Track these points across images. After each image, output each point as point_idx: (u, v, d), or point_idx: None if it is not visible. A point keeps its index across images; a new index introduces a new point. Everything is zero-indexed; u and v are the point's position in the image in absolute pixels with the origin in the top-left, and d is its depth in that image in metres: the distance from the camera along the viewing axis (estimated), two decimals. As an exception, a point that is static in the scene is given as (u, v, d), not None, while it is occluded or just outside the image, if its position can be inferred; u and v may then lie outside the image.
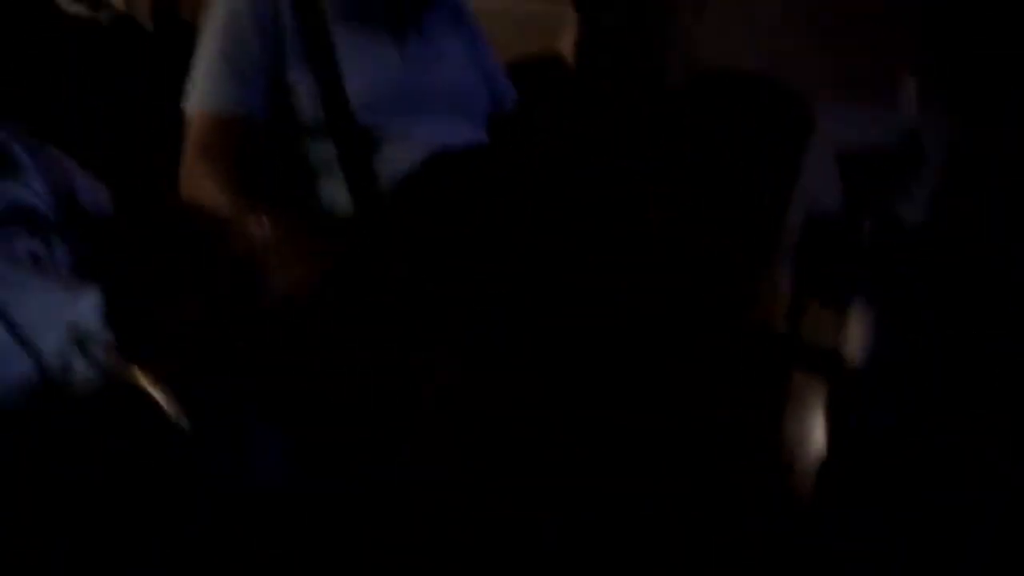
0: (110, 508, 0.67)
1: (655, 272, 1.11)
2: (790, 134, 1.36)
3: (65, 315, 0.68)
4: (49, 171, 0.83)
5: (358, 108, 1.31)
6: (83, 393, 0.64)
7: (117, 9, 2.98)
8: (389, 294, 1.13)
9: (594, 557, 0.88)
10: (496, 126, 1.50)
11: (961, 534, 0.98)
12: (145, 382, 0.68)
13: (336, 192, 1.31)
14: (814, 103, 1.40)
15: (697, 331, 1.05)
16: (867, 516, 0.96)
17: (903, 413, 1.05)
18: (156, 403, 0.72)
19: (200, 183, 1.25)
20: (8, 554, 0.59)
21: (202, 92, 1.30)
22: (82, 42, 1.58)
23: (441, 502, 0.86)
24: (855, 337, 1.07)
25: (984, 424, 1.05)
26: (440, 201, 1.24)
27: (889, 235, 1.05)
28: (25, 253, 0.73)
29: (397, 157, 1.31)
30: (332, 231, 1.25)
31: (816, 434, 1.02)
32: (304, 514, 0.75)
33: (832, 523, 0.98)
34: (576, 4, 3.01)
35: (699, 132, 1.78)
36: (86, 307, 0.70)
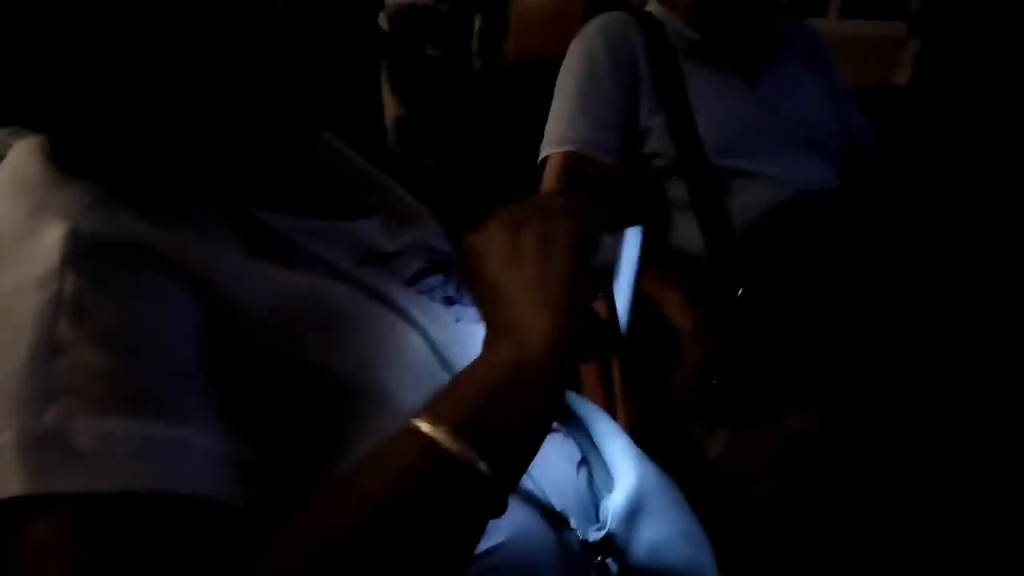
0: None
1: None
2: None
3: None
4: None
5: (710, 148, 1.31)
6: None
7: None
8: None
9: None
10: (852, 163, 1.45)
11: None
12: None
13: (689, 232, 1.32)
14: None
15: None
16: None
17: None
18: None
19: None
20: None
21: (561, 135, 1.35)
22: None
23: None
24: None
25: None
26: (797, 243, 1.22)
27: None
28: (441, 297, 0.76)
29: (751, 196, 1.31)
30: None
31: None
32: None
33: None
34: (912, 27, 2.86)
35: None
36: None
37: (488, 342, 0.58)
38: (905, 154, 1.84)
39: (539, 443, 0.56)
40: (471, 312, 0.76)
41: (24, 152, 0.62)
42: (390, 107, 2.98)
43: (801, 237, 1.20)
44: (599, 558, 0.70)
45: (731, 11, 1.38)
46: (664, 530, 0.74)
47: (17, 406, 0.48)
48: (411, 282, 0.73)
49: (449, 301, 0.76)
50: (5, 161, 0.63)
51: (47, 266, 0.52)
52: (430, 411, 0.53)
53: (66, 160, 0.59)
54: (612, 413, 1.11)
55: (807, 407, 1.09)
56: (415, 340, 0.65)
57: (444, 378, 0.64)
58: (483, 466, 0.51)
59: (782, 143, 1.36)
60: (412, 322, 0.65)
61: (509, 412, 0.54)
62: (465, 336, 0.70)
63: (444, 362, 0.66)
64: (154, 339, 0.52)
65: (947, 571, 0.95)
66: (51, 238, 0.53)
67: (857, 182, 1.43)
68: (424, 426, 0.52)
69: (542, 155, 1.37)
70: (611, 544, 0.71)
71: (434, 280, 0.76)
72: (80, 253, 0.52)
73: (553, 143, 1.36)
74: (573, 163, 1.33)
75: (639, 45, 1.36)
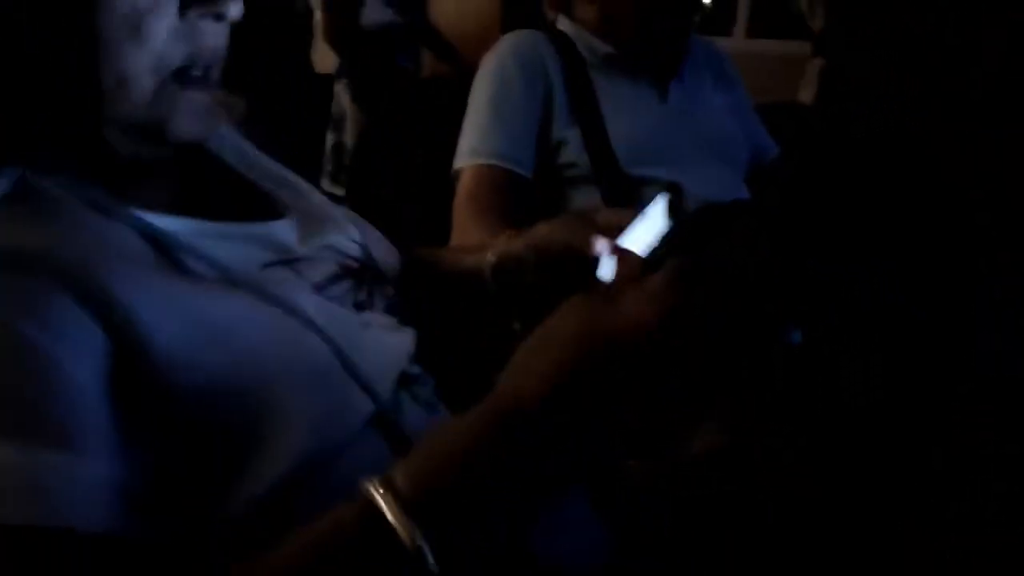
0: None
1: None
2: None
3: (395, 360, 0.70)
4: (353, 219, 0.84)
5: (623, 159, 1.34)
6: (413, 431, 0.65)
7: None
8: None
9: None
10: (757, 177, 1.49)
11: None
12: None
13: (601, 242, 1.33)
14: None
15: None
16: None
17: None
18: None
19: (473, 235, 1.29)
20: None
21: (474, 148, 1.36)
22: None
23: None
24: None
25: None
26: (707, 251, 1.24)
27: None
28: (351, 302, 0.74)
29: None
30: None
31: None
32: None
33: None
34: (816, 46, 2.96)
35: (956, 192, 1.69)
36: (409, 351, 0.73)
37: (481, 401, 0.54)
38: (807, 169, 1.90)
39: (509, 534, 0.51)
40: (383, 319, 0.75)
41: None
42: (355, 123, 3.00)
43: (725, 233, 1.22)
44: None
45: (639, 25, 1.41)
46: None
47: None
48: (320, 287, 0.71)
49: (360, 307, 0.74)
50: None
51: None
52: (391, 470, 0.49)
53: None
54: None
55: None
56: (316, 346, 0.62)
57: (349, 385, 0.62)
58: (431, 560, 0.47)
59: (692, 154, 1.39)
60: (314, 328, 0.62)
61: (479, 479, 0.49)
62: (373, 342, 0.69)
63: (349, 367, 0.63)
64: (50, 362, 0.49)
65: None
66: None
67: (762, 194, 1.47)
68: (373, 491, 0.49)
69: (456, 167, 1.37)
70: None
71: (344, 285, 0.74)
72: None
73: (466, 156, 1.36)
74: (487, 176, 1.34)
75: (550, 59, 1.38)
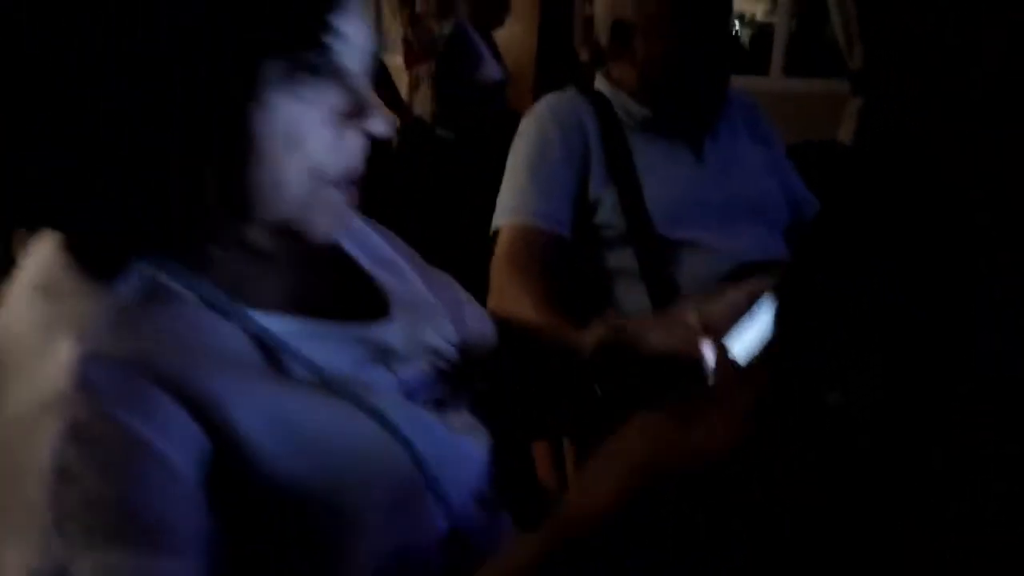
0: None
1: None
2: None
3: (474, 473, 0.72)
4: (444, 299, 0.83)
5: (658, 219, 1.35)
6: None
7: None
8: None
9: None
10: (796, 233, 1.49)
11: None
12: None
13: (637, 301, 1.35)
14: None
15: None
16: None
17: None
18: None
19: (515, 296, 1.29)
20: None
21: (514, 207, 1.37)
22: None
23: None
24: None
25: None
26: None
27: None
28: (432, 397, 0.74)
29: (698, 266, 1.34)
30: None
31: None
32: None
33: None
34: (854, 84, 2.95)
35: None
36: (486, 459, 0.74)
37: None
38: (847, 209, 1.89)
39: None
40: (466, 419, 0.76)
41: (45, 250, 0.61)
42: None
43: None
44: None
45: (676, 87, 1.42)
46: None
47: (25, 535, 0.48)
48: (412, 390, 0.71)
49: (443, 404, 0.75)
50: (28, 259, 0.62)
51: (58, 389, 0.51)
52: None
53: (85, 257, 0.59)
54: (563, 493, 1.11)
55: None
56: (404, 462, 0.63)
57: (429, 504, 0.64)
58: None
59: (728, 214, 1.39)
60: (405, 442, 0.64)
61: None
62: (456, 454, 0.70)
63: (431, 485, 0.65)
64: (158, 468, 0.52)
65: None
66: (63, 357, 0.53)
67: (801, 254, 1.47)
68: None
69: (494, 226, 1.39)
70: None
71: (433, 387, 0.75)
72: (91, 378, 0.52)
73: (505, 214, 1.38)
74: (525, 235, 1.35)
75: (588, 121, 1.40)
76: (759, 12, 5.21)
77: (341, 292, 0.75)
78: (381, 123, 0.62)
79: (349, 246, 0.79)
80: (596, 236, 1.38)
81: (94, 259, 0.59)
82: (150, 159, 0.54)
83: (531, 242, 1.35)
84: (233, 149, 0.56)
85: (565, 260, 1.35)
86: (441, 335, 0.78)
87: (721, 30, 1.41)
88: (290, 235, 0.63)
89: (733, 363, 0.67)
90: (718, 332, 0.78)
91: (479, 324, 0.86)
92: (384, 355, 0.70)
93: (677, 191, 1.38)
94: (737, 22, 4.78)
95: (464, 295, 0.88)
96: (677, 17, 1.36)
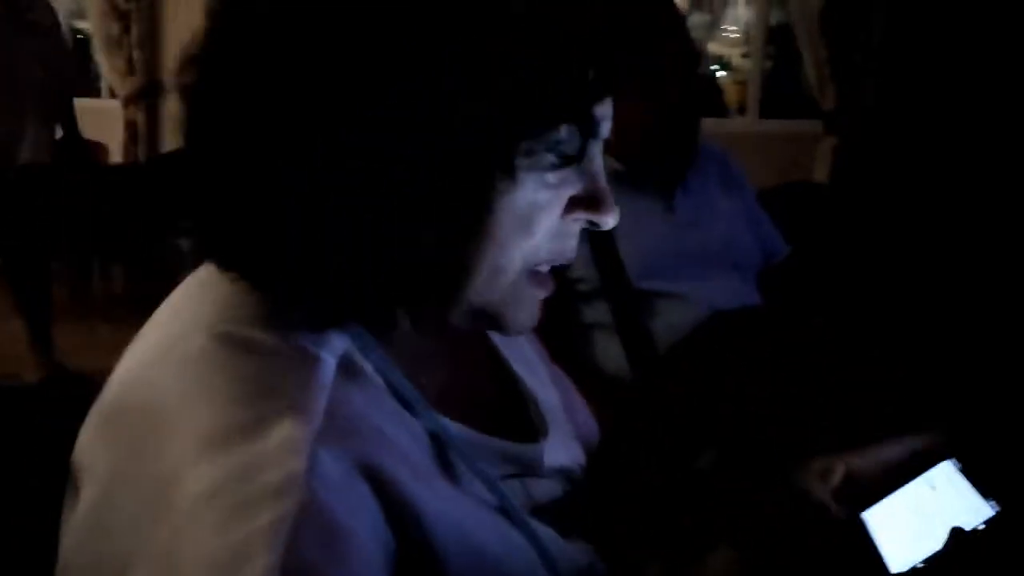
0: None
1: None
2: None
3: None
4: (566, 404, 0.79)
5: (632, 271, 1.36)
6: None
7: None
8: (659, 452, 1.15)
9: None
10: (769, 280, 1.51)
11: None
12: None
13: (612, 352, 1.36)
14: None
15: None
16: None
17: None
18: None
19: None
20: None
21: None
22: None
23: None
24: None
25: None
26: (717, 361, 1.26)
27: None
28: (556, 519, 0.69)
29: (671, 317, 1.35)
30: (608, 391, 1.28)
31: None
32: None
33: None
34: (828, 125, 3.00)
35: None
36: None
37: None
38: (826, 249, 1.91)
39: None
40: (581, 544, 0.71)
41: (223, 287, 0.55)
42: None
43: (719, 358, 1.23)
44: None
45: (649, 141, 1.44)
46: None
47: None
48: (540, 510, 0.67)
49: (564, 528, 0.69)
50: (197, 289, 0.57)
51: (284, 475, 0.47)
52: None
53: (279, 312, 0.54)
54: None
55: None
56: None
57: None
58: None
59: (701, 264, 1.41)
60: (548, 559, 0.61)
61: None
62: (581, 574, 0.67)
63: None
64: (366, 565, 0.48)
65: None
66: (282, 437, 0.48)
67: (773, 300, 1.49)
68: None
69: None
70: None
71: (558, 509, 0.70)
72: (322, 467, 0.48)
73: None
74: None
75: None
76: (735, 56, 5.29)
77: (493, 398, 0.70)
78: (610, 215, 0.59)
79: (502, 346, 0.74)
80: (571, 290, 1.39)
81: (291, 317, 0.54)
82: (386, 217, 0.50)
83: None
84: (471, 222, 0.53)
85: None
86: (571, 455, 0.74)
87: (691, 86, 1.43)
88: (487, 322, 0.59)
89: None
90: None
91: (589, 431, 0.82)
92: (525, 469, 0.66)
93: (650, 243, 1.40)
94: (717, 66, 4.85)
95: (578, 398, 0.84)
96: (649, 76, 1.39)
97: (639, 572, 0.72)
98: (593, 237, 1.37)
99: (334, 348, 0.54)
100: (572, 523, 0.68)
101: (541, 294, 0.60)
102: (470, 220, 0.53)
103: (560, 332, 1.40)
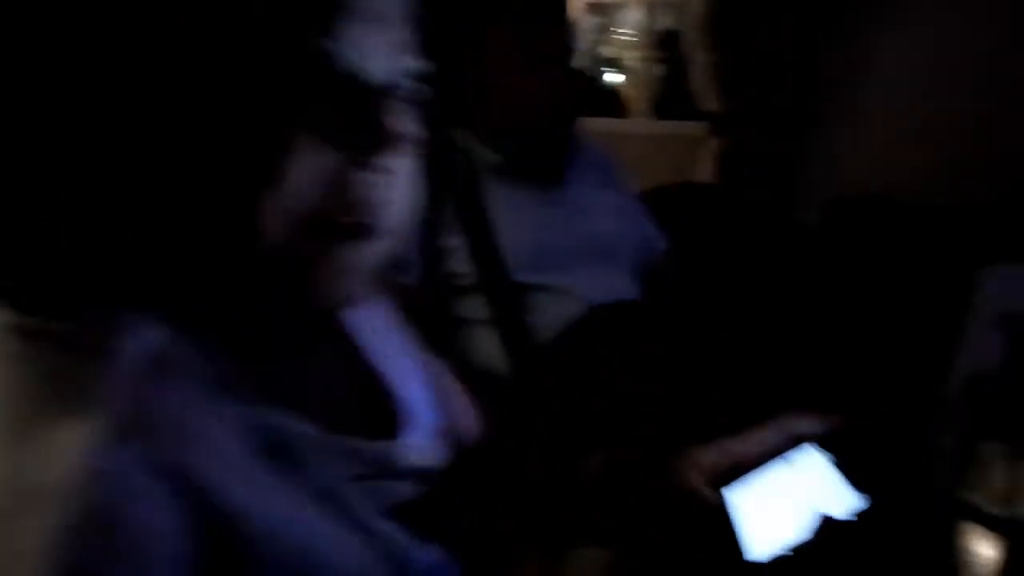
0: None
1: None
2: (944, 285, 1.33)
3: None
4: (438, 394, 0.76)
5: (511, 265, 1.36)
6: None
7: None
8: (539, 448, 1.15)
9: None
10: (647, 273, 1.54)
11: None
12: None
13: (490, 347, 1.36)
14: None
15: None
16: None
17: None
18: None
19: None
20: None
21: None
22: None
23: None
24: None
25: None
26: (594, 355, 1.27)
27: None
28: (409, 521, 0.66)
29: (550, 311, 1.35)
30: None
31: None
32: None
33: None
34: (713, 127, 3.07)
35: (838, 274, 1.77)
36: None
37: None
38: (705, 251, 1.96)
39: None
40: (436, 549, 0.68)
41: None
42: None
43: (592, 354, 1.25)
44: None
45: (530, 134, 1.45)
46: None
47: None
48: (388, 511, 0.63)
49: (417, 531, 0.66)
50: None
51: (67, 476, 0.44)
52: None
53: (65, 302, 0.50)
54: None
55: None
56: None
57: None
58: None
59: (581, 258, 1.42)
60: (394, 565, 0.59)
61: None
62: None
63: None
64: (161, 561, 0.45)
65: None
66: (70, 435, 0.45)
67: (651, 294, 1.52)
68: None
69: None
70: None
71: (411, 511, 0.66)
72: (107, 472, 0.45)
73: None
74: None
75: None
76: (632, 59, 5.37)
77: (348, 394, 0.66)
78: (398, 159, 0.53)
79: (364, 339, 0.70)
80: (448, 284, 1.39)
81: (79, 305, 0.50)
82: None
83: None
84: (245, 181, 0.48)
85: (412, 309, 1.36)
86: (433, 454, 0.70)
87: (565, 77, 1.45)
88: (293, 302, 0.55)
89: None
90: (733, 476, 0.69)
91: (465, 422, 0.79)
92: (380, 470, 0.63)
93: (528, 236, 1.40)
94: (613, 67, 4.92)
95: (457, 392, 0.81)
96: (523, 67, 1.40)
97: (513, 570, 0.72)
98: (470, 231, 1.38)
99: (143, 340, 0.50)
100: (429, 524, 0.67)
101: (359, 261, 0.55)
102: (240, 180, 0.49)
103: (438, 327, 1.40)
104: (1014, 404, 1.00)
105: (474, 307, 1.37)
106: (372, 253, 0.55)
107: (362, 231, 0.53)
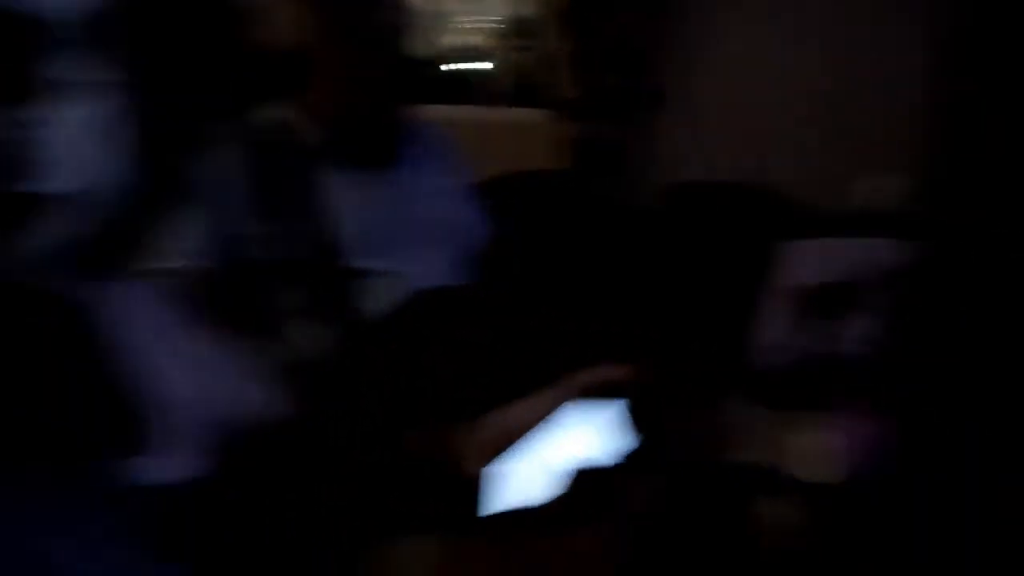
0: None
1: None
2: (754, 259, 1.39)
3: None
4: None
5: (341, 249, 1.35)
6: None
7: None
8: (370, 431, 1.14)
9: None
10: (478, 259, 1.54)
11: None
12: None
13: (314, 333, 1.33)
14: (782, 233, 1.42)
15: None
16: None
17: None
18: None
19: None
20: None
21: None
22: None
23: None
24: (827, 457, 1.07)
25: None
26: (420, 340, 1.27)
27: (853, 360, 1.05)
28: None
29: (376, 295, 1.35)
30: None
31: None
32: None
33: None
34: (559, 115, 3.12)
35: (671, 254, 1.83)
36: None
37: None
38: (553, 241, 1.99)
39: None
40: None
41: None
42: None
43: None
44: None
45: (359, 113, 1.43)
46: None
47: None
48: (139, 531, 0.64)
49: None
50: None
51: None
52: None
53: None
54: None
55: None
56: None
57: None
58: None
59: (413, 242, 1.41)
60: None
61: None
62: None
63: None
64: None
65: None
66: None
67: (480, 278, 1.52)
68: None
69: None
70: None
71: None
72: None
73: None
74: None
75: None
76: (492, 46, 5.39)
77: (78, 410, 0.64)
78: (59, 110, 0.46)
79: (118, 325, 0.68)
80: (268, 270, 1.35)
81: None
82: None
83: None
84: None
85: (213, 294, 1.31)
86: (180, 470, 0.69)
87: (393, 58, 1.43)
88: None
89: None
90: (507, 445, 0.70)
91: (270, 410, 0.81)
92: (113, 494, 0.62)
93: (358, 220, 1.38)
94: (479, 55, 4.93)
95: (258, 375, 0.84)
96: (346, 48, 1.37)
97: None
98: (296, 211, 1.34)
99: None
100: (174, 542, 0.64)
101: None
102: None
103: (247, 313, 1.35)
104: (809, 372, 1.05)
105: (299, 293, 1.34)
106: (51, 228, 0.47)
107: (20, 204, 0.45)
